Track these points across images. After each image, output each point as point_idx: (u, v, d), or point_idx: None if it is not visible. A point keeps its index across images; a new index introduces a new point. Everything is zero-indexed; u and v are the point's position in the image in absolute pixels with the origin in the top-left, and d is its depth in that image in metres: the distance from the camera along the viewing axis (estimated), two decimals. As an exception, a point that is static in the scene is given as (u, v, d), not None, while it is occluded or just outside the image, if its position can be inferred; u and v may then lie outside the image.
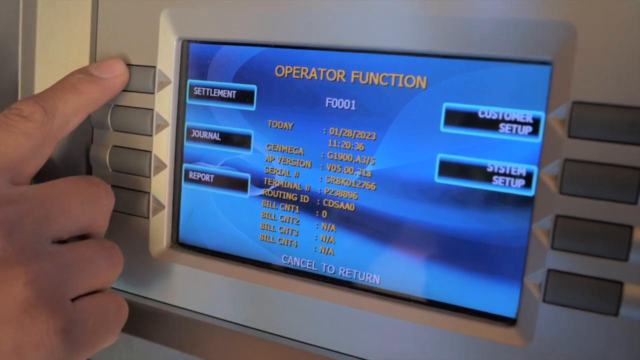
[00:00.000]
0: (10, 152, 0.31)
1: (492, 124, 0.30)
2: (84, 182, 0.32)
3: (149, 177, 0.38)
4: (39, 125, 0.32)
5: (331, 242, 0.34)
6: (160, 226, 0.39)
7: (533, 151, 0.29)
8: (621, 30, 0.26)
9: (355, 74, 0.33)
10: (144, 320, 0.39)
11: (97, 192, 0.32)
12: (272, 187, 0.36)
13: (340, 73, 0.33)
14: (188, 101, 0.38)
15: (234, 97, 0.36)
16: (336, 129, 0.34)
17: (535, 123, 0.29)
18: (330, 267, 0.35)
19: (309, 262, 0.35)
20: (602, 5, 0.26)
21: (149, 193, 0.38)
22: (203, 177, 0.38)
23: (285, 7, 0.33)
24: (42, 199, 0.29)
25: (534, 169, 0.29)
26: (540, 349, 0.29)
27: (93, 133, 0.40)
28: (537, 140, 0.29)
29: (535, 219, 0.29)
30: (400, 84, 0.32)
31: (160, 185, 0.38)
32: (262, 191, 0.36)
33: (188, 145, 0.38)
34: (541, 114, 0.29)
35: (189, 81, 0.38)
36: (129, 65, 0.38)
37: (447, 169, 0.31)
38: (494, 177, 0.30)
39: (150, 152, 0.38)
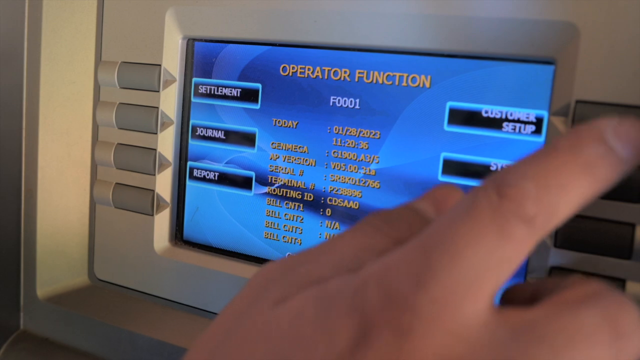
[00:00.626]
0: (491, 274, 0.20)
1: (495, 123, 0.30)
2: None
3: (154, 174, 0.39)
4: (538, 234, 0.21)
5: (335, 240, 0.35)
6: (164, 223, 0.40)
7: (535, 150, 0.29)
8: (623, 31, 0.27)
9: (359, 73, 0.34)
10: (148, 317, 0.40)
11: None
12: (276, 185, 0.36)
13: (345, 72, 0.34)
14: (193, 99, 0.39)
15: (238, 95, 0.37)
16: (340, 128, 0.34)
17: (539, 122, 0.29)
18: (334, 264, 0.35)
19: (313, 259, 0.36)
20: (604, 6, 0.27)
21: (153, 190, 0.39)
22: (207, 174, 0.39)
23: (290, 6, 0.34)
24: None
25: (537, 167, 0.29)
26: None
27: (98, 131, 0.41)
28: (540, 139, 0.29)
29: (538, 218, 0.29)
30: (404, 83, 0.32)
31: (164, 182, 0.40)
32: (266, 189, 0.37)
33: (193, 143, 0.39)
34: (544, 113, 0.29)
35: (194, 79, 0.39)
36: (133, 63, 0.39)
37: (451, 167, 0.32)
38: (497, 176, 0.30)
39: (155, 149, 0.39)
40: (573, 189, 0.21)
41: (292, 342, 0.21)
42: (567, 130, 0.24)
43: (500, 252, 0.20)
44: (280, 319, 0.22)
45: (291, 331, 0.21)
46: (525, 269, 0.30)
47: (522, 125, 0.30)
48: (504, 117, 0.30)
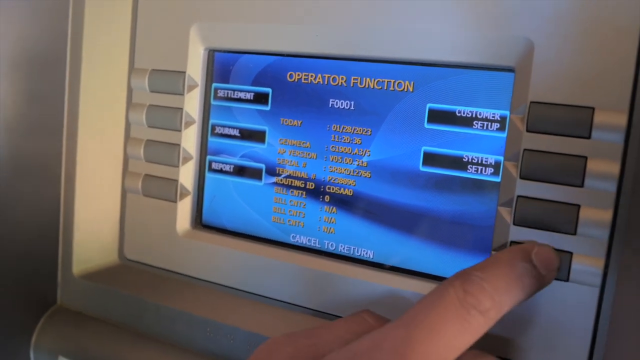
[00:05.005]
0: (453, 352, 0.26)
1: (467, 122, 0.35)
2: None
3: (178, 167, 0.44)
4: (488, 325, 0.27)
5: (332, 223, 0.40)
6: (186, 209, 0.44)
7: (500, 144, 0.35)
8: (570, 44, 0.31)
9: (354, 79, 0.39)
10: (170, 291, 0.45)
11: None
12: (283, 175, 0.42)
13: (342, 78, 0.39)
14: (212, 102, 0.44)
15: (252, 98, 0.42)
16: (338, 126, 0.39)
17: (502, 120, 0.34)
18: (332, 244, 0.40)
19: (314, 239, 0.41)
20: (554, 24, 0.32)
21: (177, 180, 0.44)
22: (224, 167, 0.44)
23: (295, 23, 0.39)
24: None
25: (501, 158, 0.35)
26: (504, 309, 0.34)
27: (130, 129, 0.46)
28: (503, 134, 0.34)
29: (501, 201, 0.34)
30: (391, 88, 0.37)
31: (187, 174, 0.44)
32: (274, 179, 0.42)
33: (212, 139, 0.44)
34: (507, 113, 0.34)
35: (213, 85, 0.44)
36: (161, 71, 0.44)
37: (430, 159, 0.37)
38: (469, 166, 0.36)
39: (179, 145, 0.44)
40: (512, 293, 0.28)
41: None
42: (508, 248, 0.32)
43: (462, 334, 0.26)
44: None
45: None
46: (490, 245, 0.35)
47: (489, 123, 0.35)
48: (474, 116, 0.35)
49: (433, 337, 0.26)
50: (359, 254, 0.39)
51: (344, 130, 0.39)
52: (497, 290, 0.27)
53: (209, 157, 0.44)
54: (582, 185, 0.32)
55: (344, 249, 0.40)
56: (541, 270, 0.30)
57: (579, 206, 0.32)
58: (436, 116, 0.36)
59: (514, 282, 0.28)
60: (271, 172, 0.42)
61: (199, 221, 0.45)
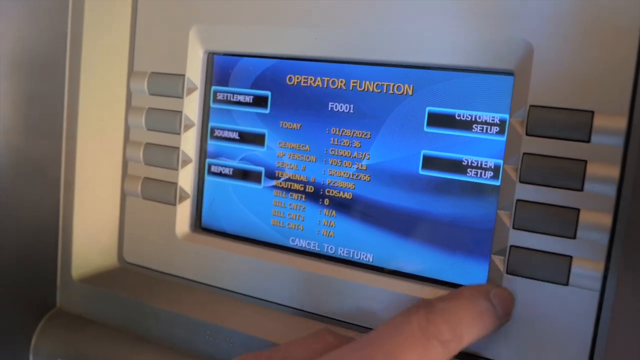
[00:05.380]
0: None
1: (466, 125, 0.35)
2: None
3: (177, 170, 0.44)
4: (447, 356, 0.28)
5: (332, 226, 0.40)
6: (185, 213, 0.44)
7: (500, 147, 0.35)
8: (569, 48, 0.32)
9: (353, 82, 0.39)
10: (169, 295, 0.45)
11: None
12: (282, 178, 0.42)
13: (341, 82, 0.39)
14: (212, 105, 0.44)
15: (251, 101, 0.42)
16: (337, 129, 0.39)
17: (502, 124, 0.34)
18: (331, 247, 0.40)
19: (313, 243, 0.41)
20: (553, 27, 0.32)
21: (176, 184, 0.44)
22: (223, 170, 0.44)
23: (294, 26, 0.39)
24: None
25: (500, 162, 0.35)
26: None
27: (129, 132, 0.46)
28: (503, 138, 0.34)
29: (500, 204, 0.34)
30: (391, 91, 0.37)
31: (186, 177, 0.44)
32: (273, 182, 0.42)
33: (211, 142, 0.44)
34: (506, 116, 0.34)
35: (212, 88, 0.44)
36: (161, 73, 0.44)
37: (430, 162, 0.37)
38: (468, 170, 0.36)
39: (178, 148, 0.44)
40: (472, 328, 0.29)
41: None
42: (466, 286, 0.33)
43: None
44: None
45: None
46: (490, 249, 0.35)
47: (489, 127, 0.35)
48: (473, 119, 0.35)
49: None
50: (358, 257, 0.39)
51: (343, 134, 0.39)
52: (459, 323, 0.28)
53: (208, 160, 0.44)
54: (581, 189, 0.32)
55: (343, 252, 0.40)
56: (499, 310, 0.31)
57: (578, 210, 0.32)
58: (435, 119, 0.36)
59: (476, 317, 0.29)
60: (270, 175, 0.42)
61: (198, 224, 0.45)
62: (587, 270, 0.32)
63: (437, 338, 0.27)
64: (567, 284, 0.32)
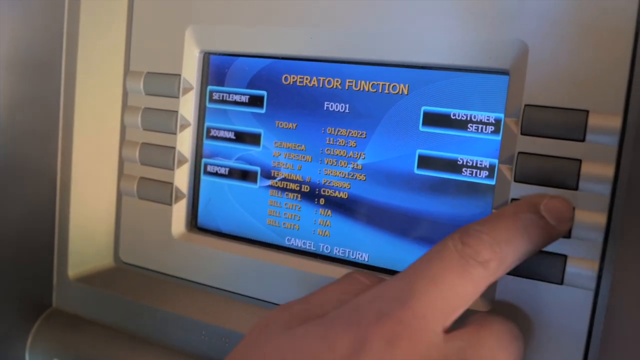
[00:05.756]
0: (456, 301, 0.26)
1: (462, 124, 0.35)
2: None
3: (173, 169, 0.44)
4: (491, 276, 0.27)
5: (327, 226, 0.40)
6: (181, 212, 0.44)
7: (495, 147, 0.35)
8: (564, 47, 0.32)
9: (349, 82, 0.39)
10: (166, 294, 0.45)
11: None
12: (278, 178, 0.42)
13: (337, 81, 0.39)
14: (208, 105, 0.44)
15: (247, 101, 0.42)
16: (333, 129, 0.39)
17: (497, 123, 0.34)
18: (327, 247, 0.40)
19: (309, 242, 0.41)
20: (549, 27, 0.32)
21: (172, 183, 0.44)
22: (219, 170, 0.44)
23: (290, 26, 0.39)
24: None
25: (496, 162, 0.35)
26: (498, 312, 0.34)
27: (125, 132, 0.46)
28: (498, 137, 0.34)
29: (495, 204, 0.34)
30: (386, 91, 0.38)
31: (182, 176, 0.44)
32: (269, 182, 0.42)
33: (207, 142, 0.44)
34: (501, 116, 0.34)
35: (208, 87, 0.44)
36: (157, 73, 0.44)
37: (425, 162, 0.37)
38: (464, 169, 0.36)
39: (174, 148, 0.44)
40: (515, 244, 0.27)
41: (302, 353, 0.26)
42: (514, 202, 0.31)
43: (463, 283, 0.26)
44: (288, 339, 0.27)
45: (300, 346, 0.27)
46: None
47: (484, 126, 0.35)
48: (468, 119, 0.35)
49: (435, 285, 0.26)
50: (354, 257, 0.39)
51: (339, 133, 0.39)
52: (496, 241, 0.27)
53: (204, 160, 0.44)
54: (576, 188, 0.32)
55: (339, 252, 0.40)
56: (550, 221, 0.29)
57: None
58: (431, 119, 0.36)
59: (517, 233, 0.28)
60: (266, 175, 0.42)
61: (194, 224, 0.45)
62: (582, 269, 0.32)
63: (474, 259, 0.26)
64: (562, 283, 0.32)
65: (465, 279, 0.26)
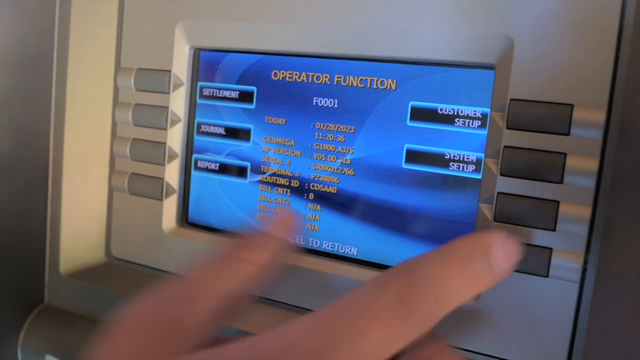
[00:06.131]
0: (386, 355, 0.23)
1: (449, 119, 0.36)
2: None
3: (164, 165, 0.44)
4: (428, 327, 0.24)
5: (317, 220, 0.40)
6: (172, 208, 0.45)
7: (481, 141, 0.35)
8: (549, 42, 0.32)
9: (337, 77, 0.39)
10: (157, 289, 0.45)
11: None
12: (267, 173, 0.42)
13: (326, 77, 0.39)
14: (198, 100, 0.44)
15: (237, 97, 0.43)
16: (322, 124, 0.40)
17: (483, 118, 0.35)
18: (316, 241, 0.40)
19: (298, 237, 0.41)
20: (534, 22, 0.32)
21: (163, 179, 0.44)
22: (210, 165, 0.44)
23: (279, 21, 0.39)
24: None
25: (482, 155, 0.35)
26: (485, 306, 0.34)
27: (116, 128, 0.47)
28: (485, 132, 0.35)
29: (482, 197, 0.34)
30: (374, 86, 0.38)
31: (173, 172, 0.44)
32: (259, 177, 0.42)
33: (197, 138, 0.44)
34: (487, 110, 0.34)
35: (199, 83, 0.44)
36: (147, 69, 0.44)
37: (413, 156, 0.37)
38: (451, 163, 0.36)
39: (165, 144, 0.44)
40: (461, 294, 0.24)
41: None
42: (463, 238, 0.26)
43: (396, 340, 0.22)
44: None
45: None
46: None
47: (471, 121, 0.35)
48: (455, 113, 0.36)
49: (362, 340, 0.22)
50: (342, 251, 0.40)
51: (327, 128, 0.39)
52: (444, 292, 0.24)
53: (194, 156, 0.44)
54: (561, 182, 0.32)
55: (328, 246, 0.40)
56: (497, 270, 0.25)
57: (558, 202, 0.32)
58: (418, 114, 0.36)
59: (467, 281, 0.24)
60: (256, 170, 0.42)
61: (185, 219, 0.45)
62: (567, 262, 0.32)
63: (417, 310, 0.23)
64: (547, 276, 0.33)
65: (398, 335, 0.22)
